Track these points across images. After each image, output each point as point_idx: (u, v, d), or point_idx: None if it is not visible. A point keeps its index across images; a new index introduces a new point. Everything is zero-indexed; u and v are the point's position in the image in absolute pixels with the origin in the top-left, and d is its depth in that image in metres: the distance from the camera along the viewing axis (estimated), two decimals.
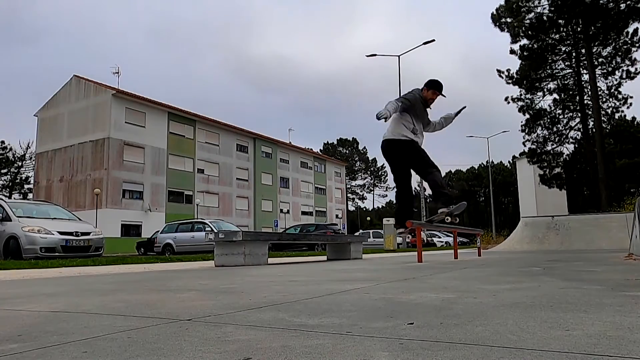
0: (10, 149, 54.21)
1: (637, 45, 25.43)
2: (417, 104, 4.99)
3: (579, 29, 26.38)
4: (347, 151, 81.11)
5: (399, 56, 25.70)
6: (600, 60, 26.69)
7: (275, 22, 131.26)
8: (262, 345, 1.12)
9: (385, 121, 4.59)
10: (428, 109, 5.18)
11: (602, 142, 25.29)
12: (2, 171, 53.94)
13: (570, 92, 28.32)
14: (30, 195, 45.64)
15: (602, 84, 26.83)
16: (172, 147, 37.04)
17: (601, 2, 25.03)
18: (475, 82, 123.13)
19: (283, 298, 2.07)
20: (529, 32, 26.78)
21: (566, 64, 28.19)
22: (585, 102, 27.56)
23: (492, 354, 0.98)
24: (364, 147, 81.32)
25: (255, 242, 5.81)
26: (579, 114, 27.96)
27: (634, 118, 42.36)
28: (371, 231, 30.77)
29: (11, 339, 1.27)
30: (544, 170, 29.71)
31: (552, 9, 26.05)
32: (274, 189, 46.98)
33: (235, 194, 42.24)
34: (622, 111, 27.91)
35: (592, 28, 25.66)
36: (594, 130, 26.14)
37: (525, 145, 29.68)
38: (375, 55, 25.78)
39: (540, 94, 28.54)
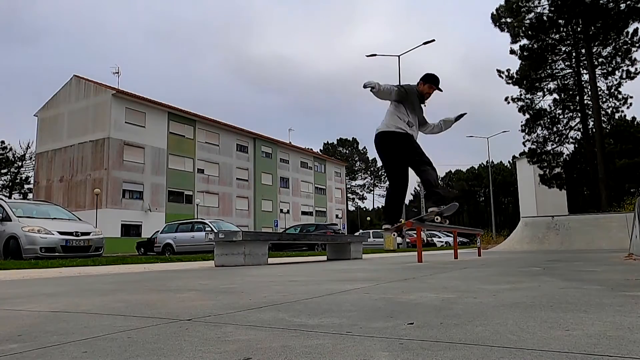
0: (10, 149, 54.28)
1: (637, 45, 25.44)
2: (412, 96, 4.84)
3: (579, 29, 26.39)
4: (347, 151, 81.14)
5: (399, 56, 25.71)
6: (600, 60, 26.70)
7: (275, 22, 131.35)
8: (262, 345, 1.12)
9: (371, 91, 4.48)
10: (424, 106, 5.03)
11: (602, 142, 25.30)
12: (2, 171, 53.97)
13: (570, 92, 28.33)
14: (30, 195, 45.65)
15: (602, 84, 26.88)
16: (172, 147, 37.04)
17: (601, 2, 25.04)
18: (475, 82, 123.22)
19: (283, 298, 2.07)
20: (529, 32, 26.79)
21: (566, 64, 28.21)
22: (585, 102, 27.57)
23: (492, 354, 0.98)
24: (364, 147, 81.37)
25: (255, 242, 5.81)
26: (579, 114, 27.97)
27: (634, 118, 42.38)
28: (371, 231, 30.76)
29: (11, 339, 1.27)
30: (544, 170, 29.72)
31: (552, 9, 26.06)
32: (274, 189, 46.98)
33: (235, 194, 42.25)
34: (622, 111, 27.97)
35: (592, 28, 25.67)
36: (594, 130, 26.14)
37: (525, 145, 29.74)
38: (375, 55, 25.78)
39: (540, 94, 28.58)
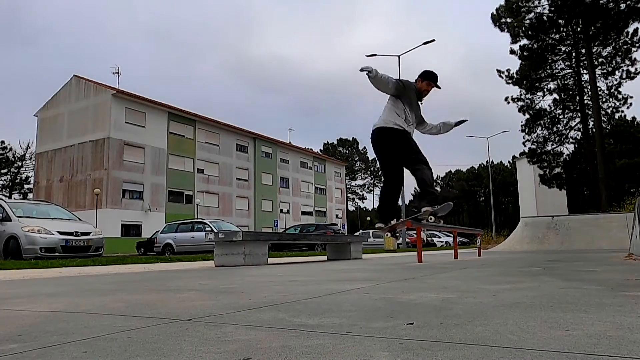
0: (10, 149, 54.27)
1: (637, 45, 25.45)
2: (410, 92, 4.76)
3: (579, 29, 26.39)
4: (347, 151, 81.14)
5: (399, 56, 25.70)
6: (600, 60, 26.71)
7: (275, 22, 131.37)
8: (262, 345, 1.12)
9: (367, 75, 4.42)
10: (421, 104, 4.94)
11: (602, 142, 25.30)
12: (2, 171, 53.96)
13: (570, 92, 28.33)
14: (30, 195, 45.65)
15: (602, 84, 26.89)
16: (172, 147, 37.04)
17: (601, 2, 25.04)
18: (475, 82, 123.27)
19: (283, 298, 2.07)
20: (529, 32, 26.79)
21: (566, 64, 28.22)
22: (585, 102, 27.57)
23: (492, 354, 0.98)
24: (364, 147, 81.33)
25: (255, 242, 5.81)
26: (579, 114, 27.97)
27: (634, 118, 42.41)
28: (371, 231, 30.72)
29: (11, 339, 1.27)
30: (544, 170, 29.72)
31: (552, 9, 26.06)
32: (274, 189, 46.98)
33: (235, 194, 42.25)
34: (622, 111, 27.99)
35: (592, 28, 25.67)
36: (594, 130, 26.15)
37: (525, 145, 29.75)
38: (375, 55, 25.75)
39: (540, 94, 28.59)
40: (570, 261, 5.28)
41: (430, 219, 4.64)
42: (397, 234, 5.75)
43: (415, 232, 8.13)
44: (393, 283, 2.81)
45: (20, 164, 54.48)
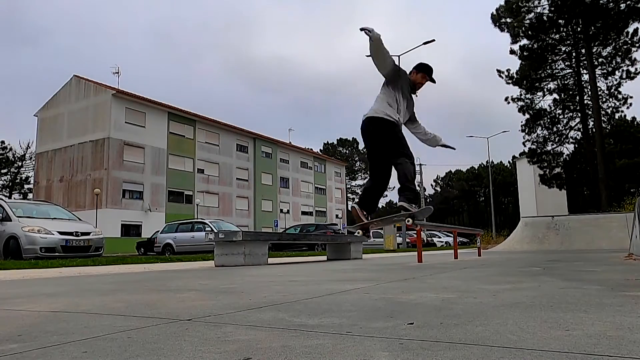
0: (10, 149, 54.23)
1: (637, 45, 25.44)
2: (405, 81, 4.58)
3: (579, 29, 26.39)
4: (347, 151, 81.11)
5: (399, 56, 25.65)
6: (600, 60, 26.70)
7: (275, 22, 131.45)
8: (262, 345, 1.12)
9: (367, 34, 4.21)
10: (415, 97, 4.75)
11: (602, 142, 25.29)
12: (2, 171, 53.94)
13: (570, 92, 28.33)
14: (30, 195, 45.64)
15: (602, 84, 26.88)
16: (172, 147, 37.04)
17: (601, 2, 25.04)
18: (475, 83, 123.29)
19: (283, 298, 2.07)
20: (529, 32, 26.78)
21: (566, 64, 28.22)
22: (585, 102, 27.57)
23: (492, 354, 0.98)
24: (364, 147, 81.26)
25: (255, 242, 5.81)
26: (579, 114, 27.97)
27: (634, 118, 42.43)
28: (371, 231, 30.72)
29: (11, 339, 1.27)
30: (544, 170, 29.72)
31: (552, 9, 26.06)
32: (274, 189, 46.98)
33: (235, 194, 42.24)
34: (622, 111, 27.99)
35: (592, 28, 25.67)
36: (594, 130, 26.14)
37: (525, 145, 29.75)
38: None
39: (540, 94, 28.58)
40: (570, 261, 5.28)
41: (408, 221, 4.40)
42: (369, 234, 5.51)
43: (415, 232, 8.11)
44: (393, 283, 2.81)
45: (20, 164, 54.49)
